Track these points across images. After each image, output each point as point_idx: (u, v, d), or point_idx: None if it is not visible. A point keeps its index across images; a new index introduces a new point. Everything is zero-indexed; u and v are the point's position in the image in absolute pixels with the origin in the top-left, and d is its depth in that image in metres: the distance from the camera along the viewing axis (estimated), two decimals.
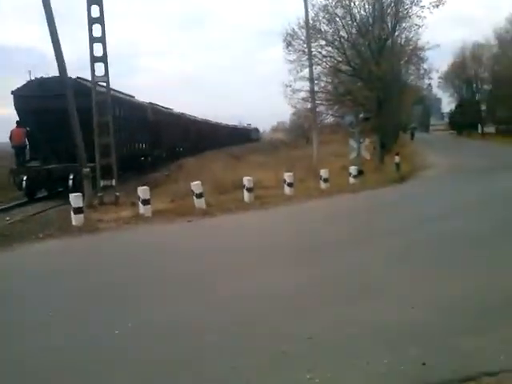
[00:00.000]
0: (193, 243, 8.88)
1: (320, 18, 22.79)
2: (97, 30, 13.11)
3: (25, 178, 16.43)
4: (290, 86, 23.45)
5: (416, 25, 22.68)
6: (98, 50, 13.17)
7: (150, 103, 29.43)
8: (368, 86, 22.58)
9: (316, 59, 23.57)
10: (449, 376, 3.51)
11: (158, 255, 7.92)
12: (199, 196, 12.49)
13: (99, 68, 13.41)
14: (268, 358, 3.96)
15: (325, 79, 25.30)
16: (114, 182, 13.66)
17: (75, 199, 10.70)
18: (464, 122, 60.87)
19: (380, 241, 8.00)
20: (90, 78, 13.64)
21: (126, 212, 12.05)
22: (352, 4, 22.21)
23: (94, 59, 13.14)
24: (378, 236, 8.45)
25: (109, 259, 7.91)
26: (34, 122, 16.55)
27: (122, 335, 4.60)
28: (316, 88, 24.45)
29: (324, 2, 22.16)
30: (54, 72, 14.64)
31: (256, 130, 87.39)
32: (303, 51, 23.31)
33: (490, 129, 56.86)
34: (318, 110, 25.49)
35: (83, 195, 11.53)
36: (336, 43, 23.14)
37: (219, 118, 60.39)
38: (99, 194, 13.31)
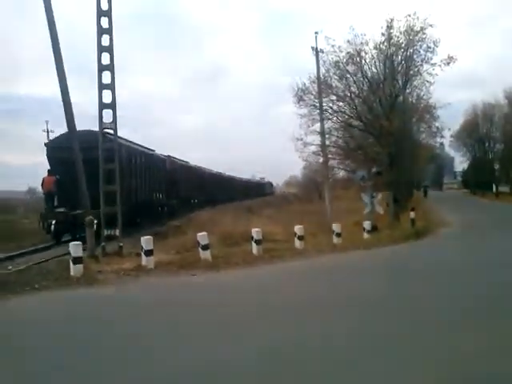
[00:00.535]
0: (191, 297, 8.27)
1: (331, 73, 23.08)
2: (106, 77, 13.10)
3: (53, 222, 17.68)
4: (301, 139, 23.47)
5: (427, 81, 22.78)
6: (107, 96, 13.12)
7: (169, 156, 30.67)
8: (379, 141, 22.45)
9: (327, 114, 23.79)
10: None
11: (150, 311, 7.24)
12: (205, 248, 11.96)
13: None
14: None
15: (336, 134, 25.31)
16: (117, 232, 13.20)
17: (75, 248, 10.21)
18: (477, 180, 60.43)
19: (394, 303, 7.34)
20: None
21: (128, 263, 11.48)
22: (363, 61, 22.42)
23: (102, 106, 13.04)
24: (392, 297, 7.73)
25: (95, 314, 7.30)
26: (63, 171, 17.46)
27: None
28: (327, 142, 24.49)
29: (335, 59, 22.40)
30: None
31: (270, 184, 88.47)
32: (314, 105, 23.56)
33: (504, 188, 56.22)
34: (329, 164, 25.36)
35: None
36: (347, 99, 23.27)
37: (233, 171, 60.79)
38: (102, 244, 12.83)
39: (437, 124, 24.91)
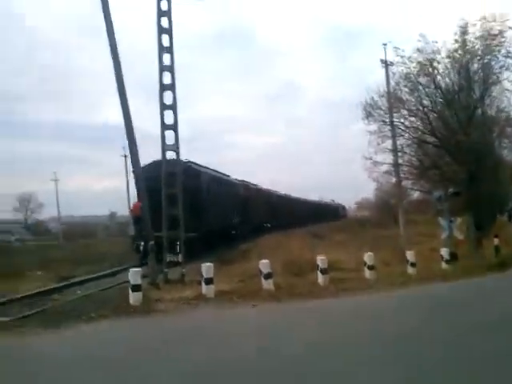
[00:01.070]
0: (245, 331, 7.80)
1: (401, 86, 21.79)
2: (168, 98, 12.95)
3: (142, 243, 17.79)
4: (371, 158, 22.33)
5: (507, 90, 20.94)
6: (169, 117, 13.01)
7: (242, 181, 31.62)
8: (456, 158, 20.75)
9: (398, 130, 22.48)
10: None
11: (200, 346, 6.84)
12: (267, 277, 11.38)
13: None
14: None
15: (408, 151, 23.78)
16: (180, 258, 12.96)
17: (134, 275, 10.02)
18: None
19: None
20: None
21: (189, 291, 11.16)
22: (435, 71, 20.86)
23: (164, 127, 12.90)
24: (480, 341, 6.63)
25: (144, 347, 6.97)
26: (149, 197, 18.07)
27: None
28: (399, 161, 23.12)
29: (405, 71, 21.12)
30: None
31: (342, 206, 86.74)
32: (384, 121, 22.38)
33: None
34: (402, 184, 23.94)
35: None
36: (420, 113, 21.85)
37: (300, 192, 59.72)
38: (165, 270, 12.62)
39: None
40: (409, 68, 20.90)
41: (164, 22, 12.86)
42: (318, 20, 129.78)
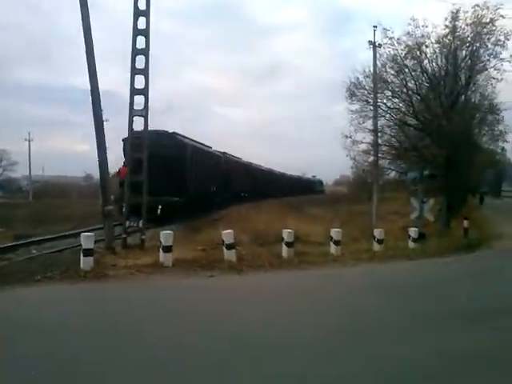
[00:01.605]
0: (193, 305, 7.34)
1: (387, 68, 21.50)
2: (141, 62, 12.34)
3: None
4: (350, 137, 22.03)
5: (493, 78, 20.73)
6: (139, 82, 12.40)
7: (224, 153, 32.68)
8: (437, 142, 20.65)
9: (380, 110, 22.26)
10: None
11: (142, 317, 6.44)
12: (229, 247, 10.98)
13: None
14: None
15: (389, 132, 23.63)
16: (140, 223, 12.45)
17: (86, 240, 9.50)
18: None
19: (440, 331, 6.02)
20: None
21: (146, 258, 10.69)
22: (423, 55, 20.60)
23: (134, 92, 12.27)
24: (440, 324, 6.41)
25: (88, 313, 6.58)
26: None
27: None
28: (379, 141, 22.91)
29: (393, 52, 20.79)
30: None
31: (320, 182, 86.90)
32: (367, 101, 22.06)
33: None
34: (379, 163, 23.81)
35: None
36: (403, 95, 21.63)
37: (283, 168, 60.26)
38: (123, 236, 12.12)
39: (500, 127, 22.81)
40: (396, 50, 20.65)
41: None
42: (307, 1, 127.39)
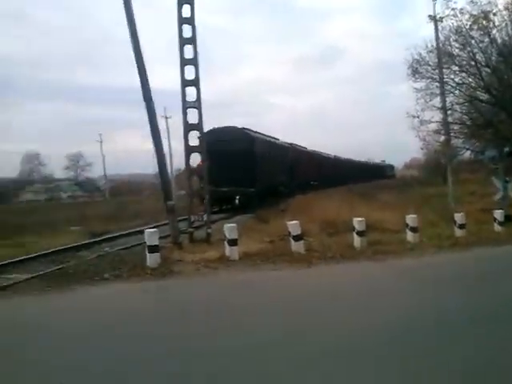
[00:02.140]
0: (249, 300, 7.01)
1: (452, 41, 20.22)
2: (189, 52, 12.05)
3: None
4: (418, 116, 20.78)
5: None
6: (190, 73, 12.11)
7: (291, 144, 34.06)
8: None
9: (448, 87, 20.83)
10: None
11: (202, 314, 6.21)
12: (297, 238, 10.50)
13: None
14: None
15: (459, 109, 22.23)
16: (205, 217, 12.27)
17: (150, 236, 9.40)
18: None
19: None
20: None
21: (212, 252, 10.46)
22: (491, 24, 19.14)
23: (185, 83, 11.99)
24: None
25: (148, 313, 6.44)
26: (212, 158, 18.66)
27: None
28: (449, 119, 21.44)
29: (457, 24, 19.42)
30: None
31: (391, 166, 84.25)
32: (432, 78, 20.74)
33: None
34: (452, 143, 22.28)
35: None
36: (471, 69, 20.23)
37: (348, 154, 59.03)
38: (189, 230, 12.00)
39: None
40: (460, 21, 19.41)
41: None
42: None
